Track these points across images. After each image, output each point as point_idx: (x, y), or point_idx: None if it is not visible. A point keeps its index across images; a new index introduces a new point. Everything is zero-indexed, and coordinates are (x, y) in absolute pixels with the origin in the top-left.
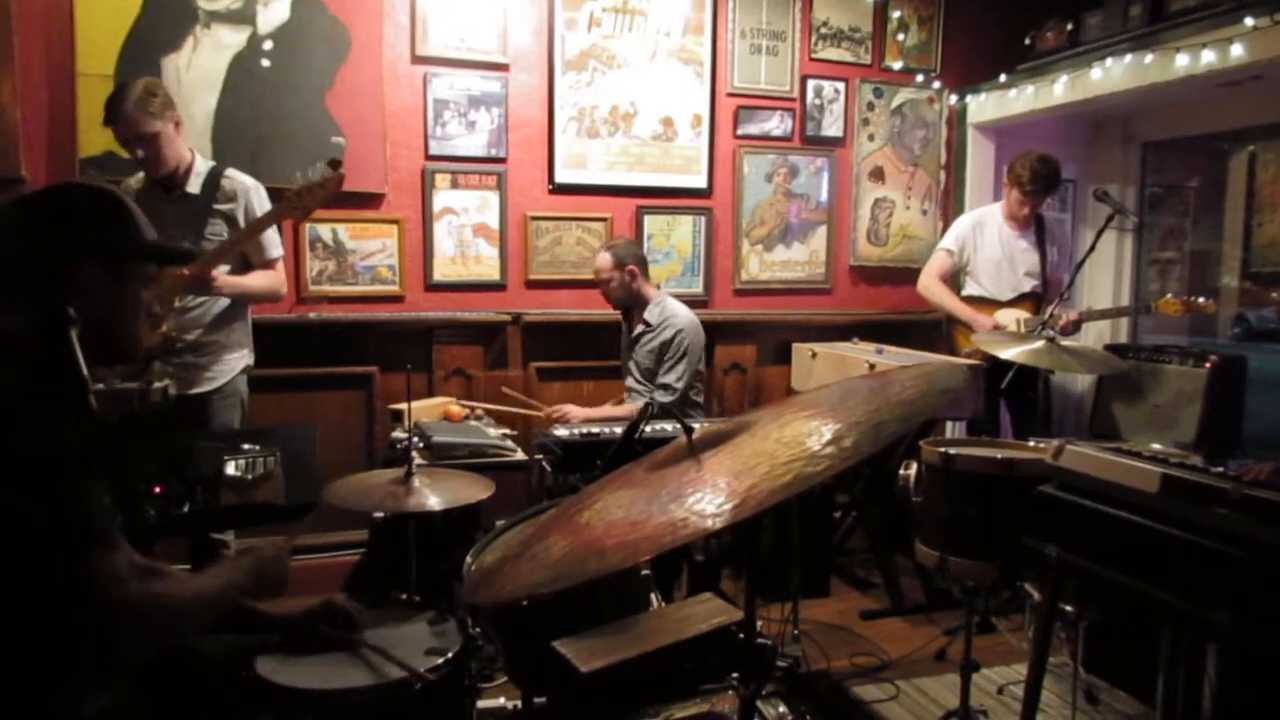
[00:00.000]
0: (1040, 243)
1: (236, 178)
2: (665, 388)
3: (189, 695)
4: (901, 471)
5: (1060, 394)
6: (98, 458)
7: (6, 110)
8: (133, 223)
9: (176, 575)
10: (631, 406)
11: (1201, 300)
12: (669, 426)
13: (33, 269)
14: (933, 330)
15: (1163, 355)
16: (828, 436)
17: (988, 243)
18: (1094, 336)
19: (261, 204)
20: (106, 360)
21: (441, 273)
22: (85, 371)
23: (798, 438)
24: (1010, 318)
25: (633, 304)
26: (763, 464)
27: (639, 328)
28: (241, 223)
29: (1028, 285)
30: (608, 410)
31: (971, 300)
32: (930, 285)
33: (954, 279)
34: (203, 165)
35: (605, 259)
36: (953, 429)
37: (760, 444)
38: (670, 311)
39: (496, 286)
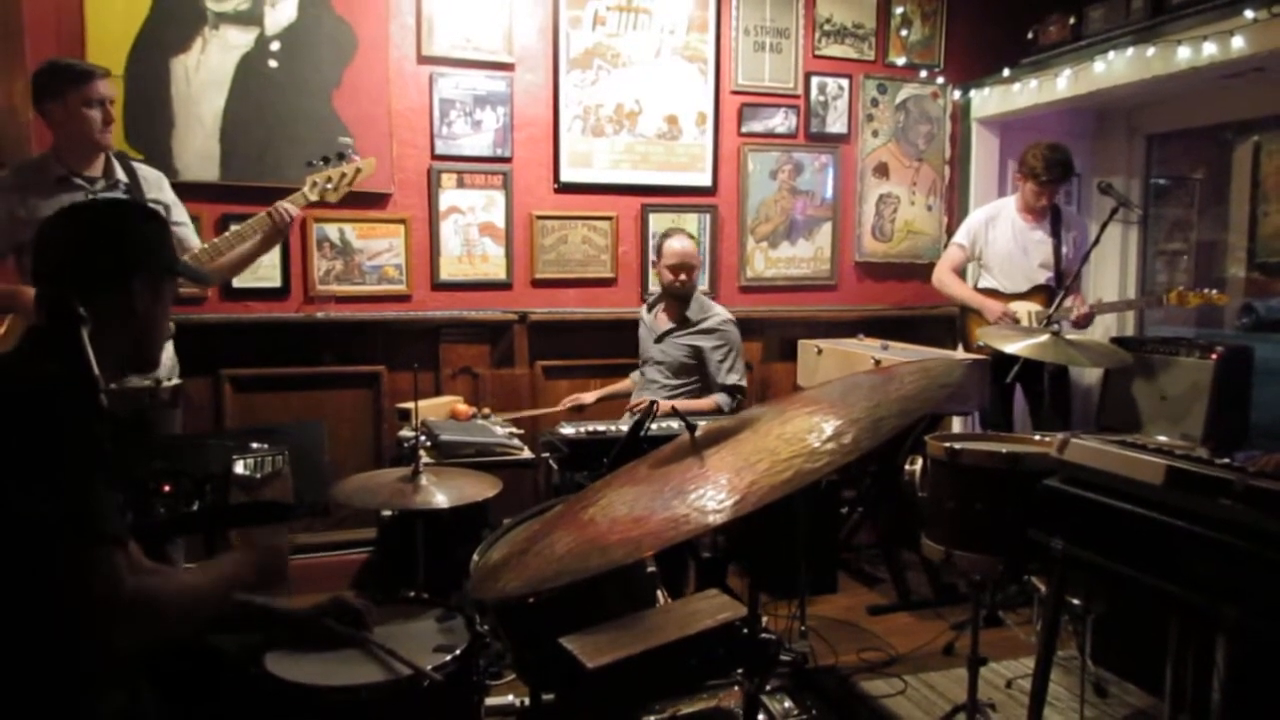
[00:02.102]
0: (1055, 234)
1: (144, 166)
2: (732, 389)
3: (204, 693)
4: (907, 467)
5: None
6: (108, 455)
7: (18, 110)
8: (172, 244)
9: (175, 571)
10: (708, 400)
11: (1207, 292)
12: (675, 424)
13: (101, 276)
14: (938, 325)
15: (1170, 347)
16: (828, 433)
17: (1000, 236)
18: (1101, 329)
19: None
20: (133, 368)
21: (448, 272)
22: (96, 370)
23: (798, 434)
24: (1022, 310)
25: (690, 296)
26: (763, 460)
27: (676, 322)
28: (165, 213)
29: (1041, 277)
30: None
31: (984, 293)
32: (943, 278)
33: (968, 273)
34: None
35: (691, 245)
36: (962, 424)
37: (762, 441)
38: (711, 305)
39: (503, 285)
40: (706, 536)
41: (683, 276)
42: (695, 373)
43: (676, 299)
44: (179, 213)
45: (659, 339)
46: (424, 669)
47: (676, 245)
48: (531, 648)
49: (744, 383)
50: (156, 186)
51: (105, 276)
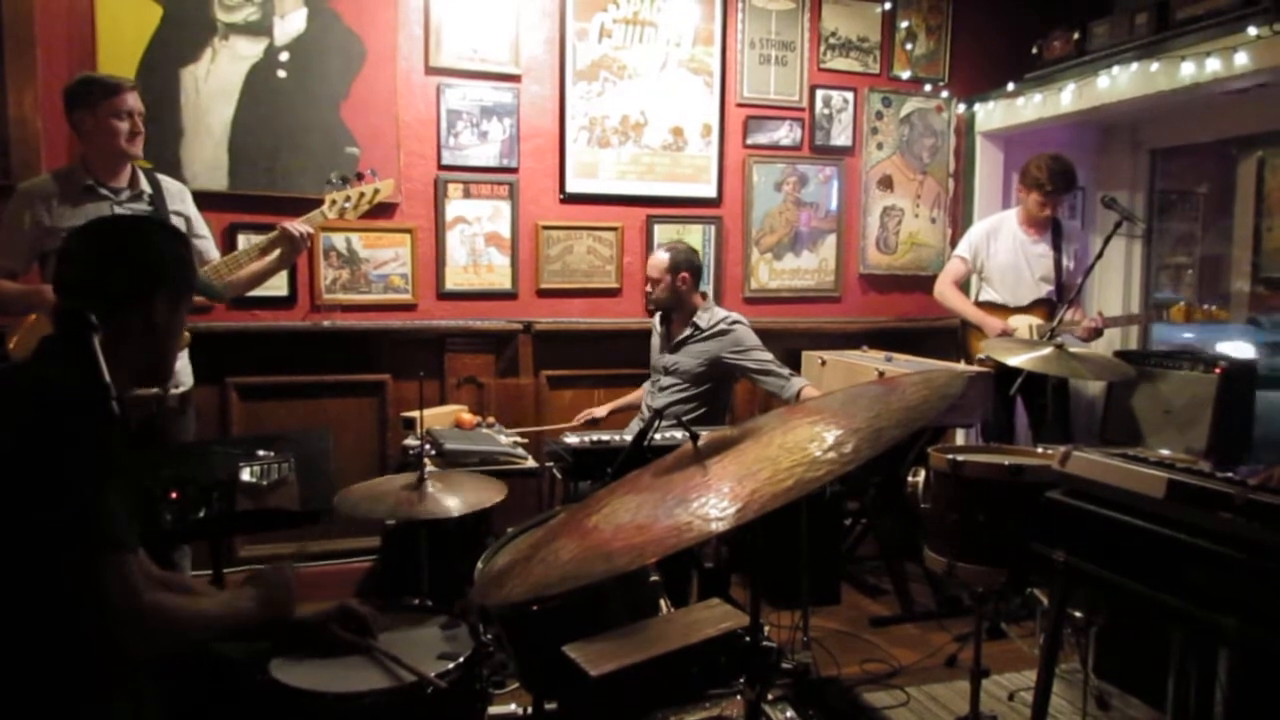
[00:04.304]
0: (1056, 247)
1: (167, 178)
2: (777, 374)
3: (209, 699)
4: (910, 478)
5: (1073, 399)
6: (119, 462)
7: (28, 120)
8: (193, 261)
9: (191, 590)
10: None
11: (1208, 308)
12: (679, 434)
13: (122, 292)
14: (942, 337)
15: (1173, 361)
16: (829, 442)
17: (1001, 249)
18: (1105, 342)
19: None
20: (149, 381)
21: (454, 281)
22: (108, 377)
23: (800, 443)
24: (1023, 323)
25: (675, 308)
26: (765, 469)
27: (686, 331)
28: (185, 226)
29: (1042, 290)
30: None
31: (985, 306)
32: (944, 291)
33: (970, 285)
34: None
35: (662, 259)
36: (965, 436)
37: (764, 450)
38: (718, 311)
39: (508, 295)
40: (710, 547)
41: (646, 289)
42: (710, 380)
43: (660, 310)
44: (200, 226)
45: (675, 347)
46: (428, 676)
47: (650, 260)
48: (535, 656)
49: (778, 366)
50: (179, 199)
51: (127, 293)
